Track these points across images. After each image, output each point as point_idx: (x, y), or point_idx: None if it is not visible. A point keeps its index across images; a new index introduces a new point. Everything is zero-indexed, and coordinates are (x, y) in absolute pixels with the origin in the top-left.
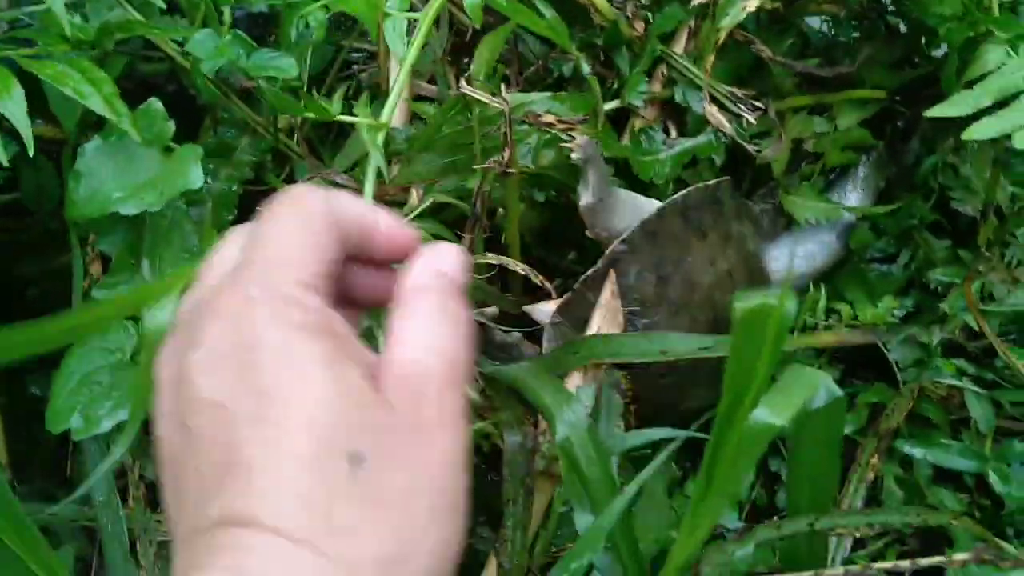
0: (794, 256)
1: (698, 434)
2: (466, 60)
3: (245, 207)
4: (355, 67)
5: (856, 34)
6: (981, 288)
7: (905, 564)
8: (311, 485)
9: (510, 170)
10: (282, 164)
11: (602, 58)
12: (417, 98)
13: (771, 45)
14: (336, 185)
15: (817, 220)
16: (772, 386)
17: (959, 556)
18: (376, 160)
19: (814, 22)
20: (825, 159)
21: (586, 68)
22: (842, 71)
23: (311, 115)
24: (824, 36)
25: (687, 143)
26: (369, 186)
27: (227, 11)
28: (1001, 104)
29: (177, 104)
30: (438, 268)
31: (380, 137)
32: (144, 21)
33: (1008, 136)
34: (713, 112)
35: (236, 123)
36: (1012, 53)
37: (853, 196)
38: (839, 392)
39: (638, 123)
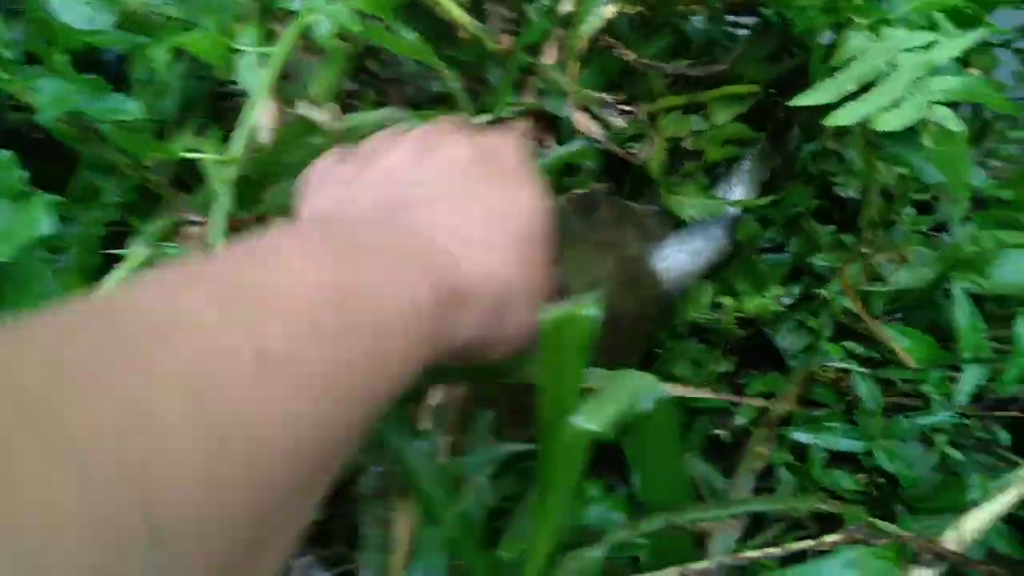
0: (682, 254)
1: (529, 446)
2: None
3: (112, 247)
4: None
5: (732, 30)
6: (870, 269)
7: (776, 551)
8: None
9: None
10: (154, 201)
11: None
12: None
13: (641, 48)
14: (190, 223)
15: (702, 217)
16: (594, 393)
17: (830, 538)
18: (222, 195)
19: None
20: (706, 156)
21: (453, 84)
22: (716, 69)
23: (157, 155)
24: (705, 34)
25: (559, 151)
26: (218, 220)
27: (64, 58)
28: (865, 88)
29: (48, 150)
30: None
31: (230, 172)
32: None
33: None
34: (581, 119)
35: (102, 165)
36: (874, 38)
37: (737, 190)
38: (665, 394)
39: None
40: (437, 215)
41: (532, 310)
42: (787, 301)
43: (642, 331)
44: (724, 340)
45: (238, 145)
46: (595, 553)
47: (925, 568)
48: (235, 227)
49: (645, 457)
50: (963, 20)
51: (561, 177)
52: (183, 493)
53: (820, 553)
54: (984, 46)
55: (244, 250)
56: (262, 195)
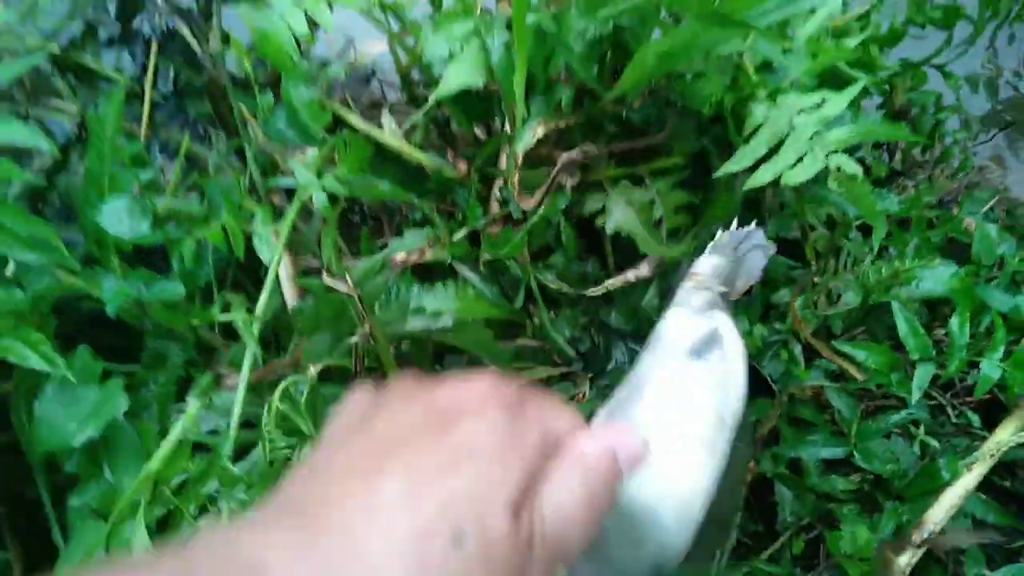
0: None
1: None
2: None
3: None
4: None
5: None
6: (828, 293)
7: None
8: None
9: (374, 336)
10: (211, 353)
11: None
12: (306, 272)
13: (592, 136)
14: (224, 376)
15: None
16: None
17: None
18: (251, 349)
19: None
20: (667, 224)
21: (429, 210)
22: (651, 142)
23: (197, 322)
24: (641, 117)
25: (523, 228)
26: (245, 370)
27: (116, 260)
28: (775, 149)
29: (119, 326)
30: (608, 445)
31: (256, 327)
32: (67, 280)
33: None
34: (528, 203)
35: (164, 333)
36: (773, 105)
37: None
38: None
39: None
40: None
41: None
42: (769, 337)
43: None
44: None
45: (263, 306)
46: None
47: (906, 555)
48: (271, 371)
49: None
50: (860, 65)
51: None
52: None
53: None
54: (909, 66)
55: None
56: (300, 342)
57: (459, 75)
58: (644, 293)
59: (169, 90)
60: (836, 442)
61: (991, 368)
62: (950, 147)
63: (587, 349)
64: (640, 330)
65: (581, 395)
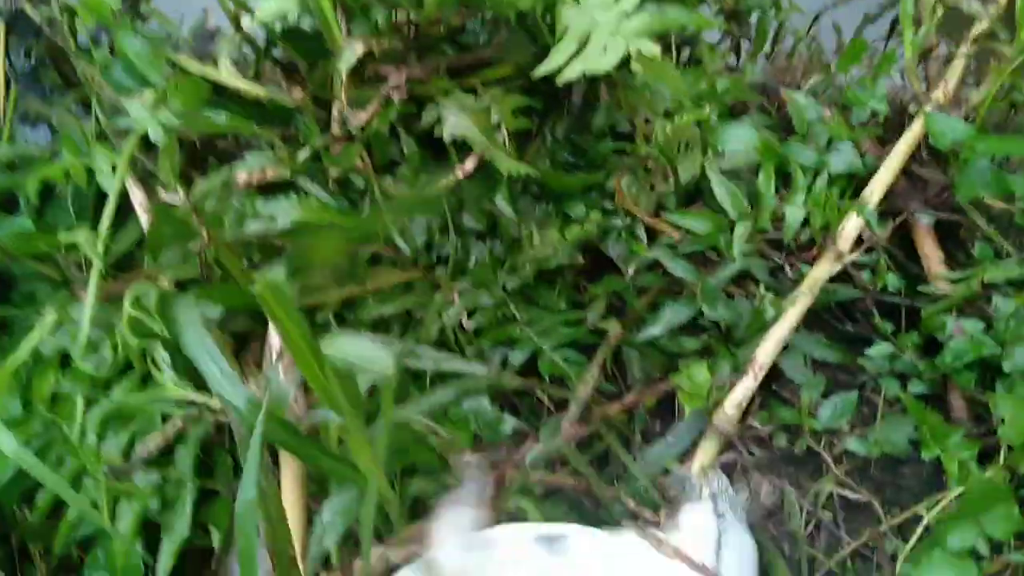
0: None
1: None
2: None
3: None
4: None
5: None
6: (663, 175)
7: None
8: None
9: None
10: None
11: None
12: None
13: (424, 56)
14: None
15: None
16: None
17: None
18: (97, 263)
19: None
20: (505, 125)
21: (268, 136)
22: (481, 56)
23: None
24: (474, 36)
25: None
26: (93, 279)
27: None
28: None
29: None
30: None
31: (100, 244)
32: None
33: None
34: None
35: (32, 275)
36: (576, 5)
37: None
38: None
39: None
40: None
41: None
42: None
43: None
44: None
45: (104, 225)
46: None
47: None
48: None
49: None
50: None
51: None
52: None
53: None
54: None
55: None
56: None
57: (273, 2)
58: (494, 193)
59: (24, 65)
60: (684, 303)
61: (793, 212)
62: (796, 43)
63: (447, 254)
64: (495, 230)
65: (448, 297)
